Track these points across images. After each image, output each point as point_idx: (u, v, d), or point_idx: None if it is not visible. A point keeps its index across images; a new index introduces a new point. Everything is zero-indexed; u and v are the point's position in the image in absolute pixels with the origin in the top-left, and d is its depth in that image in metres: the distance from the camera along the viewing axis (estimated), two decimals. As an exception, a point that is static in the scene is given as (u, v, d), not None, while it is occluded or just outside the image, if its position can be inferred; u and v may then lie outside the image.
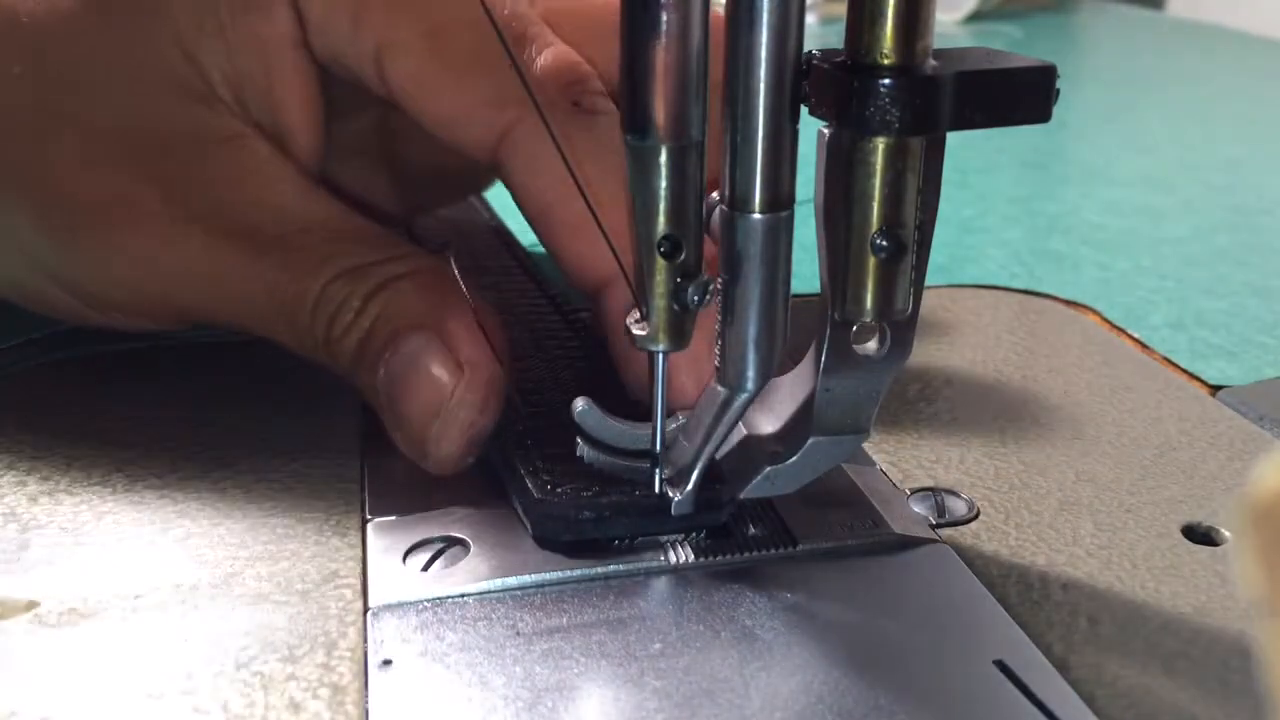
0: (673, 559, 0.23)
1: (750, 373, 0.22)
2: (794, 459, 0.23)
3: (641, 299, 0.22)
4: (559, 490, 0.24)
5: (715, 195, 0.21)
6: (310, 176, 0.28)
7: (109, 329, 0.30)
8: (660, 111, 0.20)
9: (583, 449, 0.24)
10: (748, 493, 0.23)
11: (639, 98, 0.20)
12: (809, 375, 0.22)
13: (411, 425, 0.25)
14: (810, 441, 0.22)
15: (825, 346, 0.21)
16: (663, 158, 0.20)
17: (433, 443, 0.25)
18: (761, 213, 0.20)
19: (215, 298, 0.27)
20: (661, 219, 0.21)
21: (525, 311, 0.32)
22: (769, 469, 0.23)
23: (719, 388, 0.22)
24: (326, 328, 0.26)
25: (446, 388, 0.25)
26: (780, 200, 0.20)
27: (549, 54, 0.26)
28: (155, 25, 0.27)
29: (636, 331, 0.22)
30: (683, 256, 0.21)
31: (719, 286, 0.22)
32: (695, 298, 0.21)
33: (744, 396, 0.22)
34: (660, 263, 0.21)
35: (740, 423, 0.23)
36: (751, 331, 0.21)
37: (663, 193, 0.21)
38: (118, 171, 0.27)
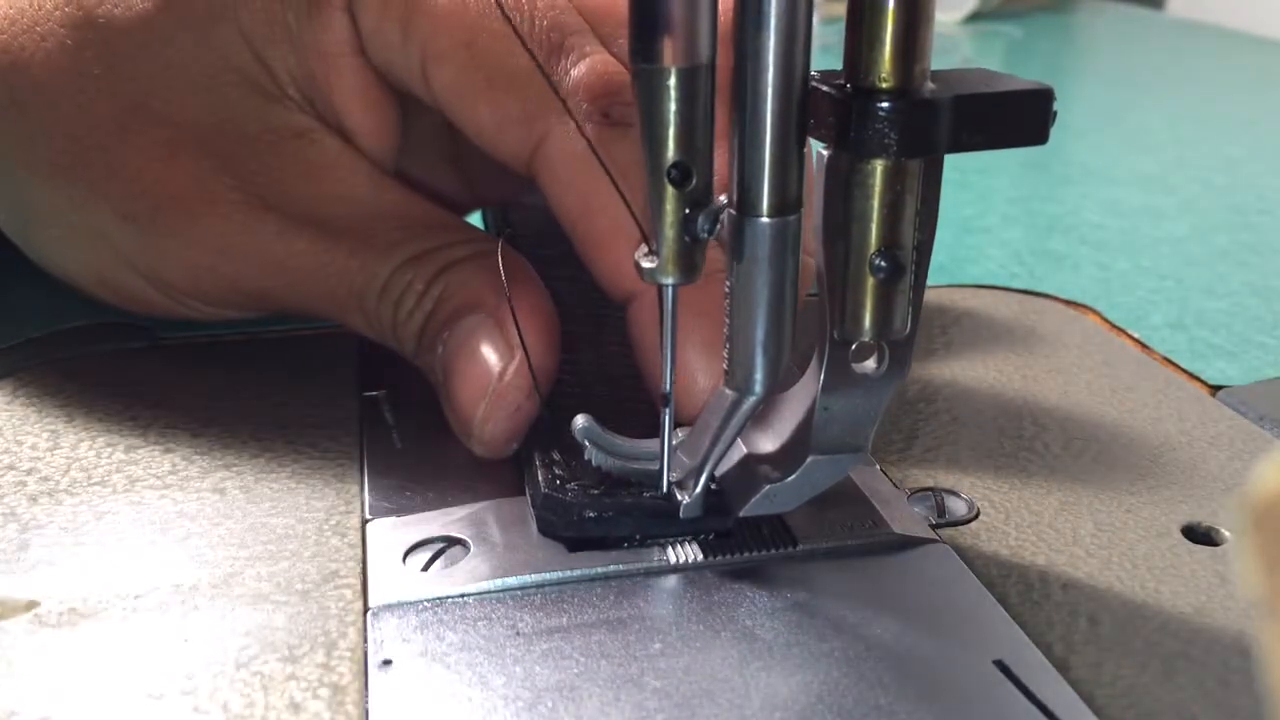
0: (673, 558, 0.23)
1: (758, 375, 0.22)
2: (793, 477, 0.23)
3: (649, 230, 0.21)
4: (568, 486, 0.24)
5: (724, 198, 0.21)
6: (380, 167, 0.29)
7: (173, 317, 0.31)
8: (669, 33, 0.19)
9: (590, 452, 0.24)
10: (748, 511, 0.23)
11: (646, 19, 0.20)
12: (808, 394, 0.22)
13: (460, 405, 0.26)
14: (809, 460, 0.22)
15: (824, 365, 0.21)
16: (672, 80, 0.20)
17: (479, 424, 0.26)
18: (769, 216, 0.20)
19: (288, 285, 0.28)
20: (671, 144, 0.20)
21: (590, 303, 0.32)
22: (768, 487, 0.23)
23: (727, 390, 0.22)
24: (393, 312, 0.27)
25: (496, 369, 0.25)
26: (788, 204, 0.20)
27: (583, 66, 0.26)
28: (227, 28, 0.28)
29: (645, 265, 0.21)
30: (693, 184, 0.21)
31: (727, 286, 0.21)
32: (706, 228, 0.21)
33: (752, 399, 0.22)
34: (669, 190, 0.20)
35: (740, 441, 0.23)
36: (759, 334, 0.21)
37: (672, 117, 0.20)
38: (196, 164, 0.28)
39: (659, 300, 0.22)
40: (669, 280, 0.22)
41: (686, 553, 0.24)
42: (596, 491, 0.24)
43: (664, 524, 0.24)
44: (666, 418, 0.23)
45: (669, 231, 0.21)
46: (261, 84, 0.28)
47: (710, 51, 0.20)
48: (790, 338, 0.22)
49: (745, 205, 0.20)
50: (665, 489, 0.23)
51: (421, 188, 0.30)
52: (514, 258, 0.27)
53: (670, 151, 0.20)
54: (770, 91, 0.19)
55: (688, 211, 0.21)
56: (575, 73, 0.26)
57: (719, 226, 0.21)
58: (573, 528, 0.23)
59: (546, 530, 0.24)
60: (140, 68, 0.28)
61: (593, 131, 0.26)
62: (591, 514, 0.23)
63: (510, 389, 0.25)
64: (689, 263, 0.21)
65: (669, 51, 0.20)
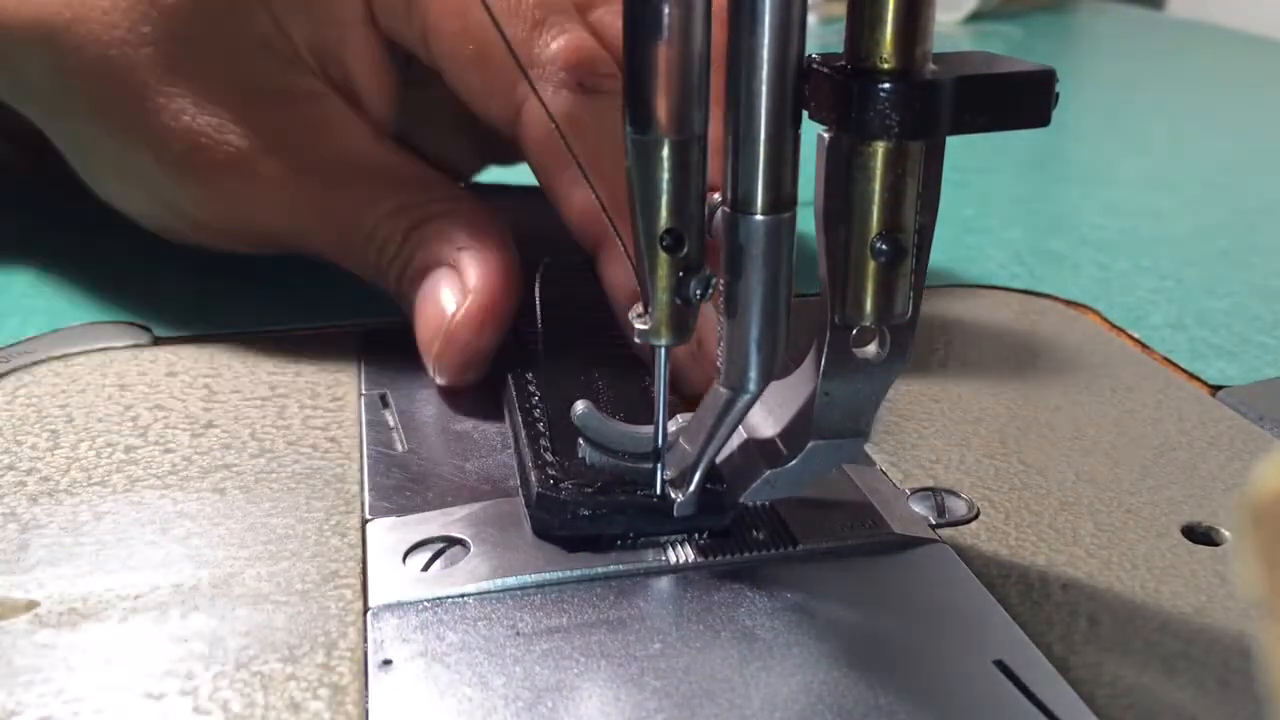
0: (673, 558, 0.23)
1: (752, 374, 0.22)
2: (794, 462, 0.23)
3: (643, 293, 0.22)
4: (562, 485, 0.24)
5: (717, 196, 0.21)
6: (380, 130, 0.33)
7: (211, 249, 0.35)
8: (662, 105, 0.20)
9: (584, 450, 0.24)
10: (748, 496, 0.23)
11: (641, 91, 0.20)
12: (809, 379, 0.22)
13: (421, 342, 0.29)
14: (810, 445, 0.22)
15: (825, 350, 0.21)
16: (665, 151, 0.20)
17: (436, 358, 0.29)
18: (764, 214, 0.20)
19: (292, 228, 0.33)
20: (664, 213, 0.21)
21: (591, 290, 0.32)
22: (769, 472, 0.23)
23: (721, 389, 0.22)
24: (377, 258, 0.31)
25: (447, 311, 0.29)
26: (782, 201, 0.20)
27: (562, 40, 0.30)
28: (253, 1, 0.32)
29: (639, 326, 0.22)
30: (685, 250, 0.21)
31: (721, 284, 0.22)
32: (697, 292, 0.21)
33: (746, 398, 0.22)
34: (662, 257, 0.21)
35: (740, 426, 0.23)
36: (754, 332, 0.21)
37: (664, 186, 0.21)
38: (220, 117, 0.32)
39: (652, 360, 0.23)
40: (662, 342, 0.22)
41: (687, 553, 0.24)
42: (591, 490, 0.24)
43: (658, 521, 0.24)
44: (659, 474, 0.24)
45: (662, 296, 0.22)
46: (281, 49, 0.32)
47: (703, 125, 0.21)
48: (785, 336, 0.22)
49: (739, 202, 0.20)
50: (659, 492, 0.24)
51: (436, 153, 0.34)
52: (484, 210, 0.31)
53: (663, 219, 0.21)
54: (764, 89, 0.19)
55: (680, 275, 0.21)
56: (554, 45, 0.30)
57: (710, 291, 0.22)
58: (567, 526, 0.24)
59: (541, 531, 0.24)
60: (178, 30, 0.32)
61: (568, 98, 0.29)
62: (585, 511, 0.23)
63: (460, 328, 0.29)
64: (681, 325, 0.22)
65: (663, 124, 0.20)
